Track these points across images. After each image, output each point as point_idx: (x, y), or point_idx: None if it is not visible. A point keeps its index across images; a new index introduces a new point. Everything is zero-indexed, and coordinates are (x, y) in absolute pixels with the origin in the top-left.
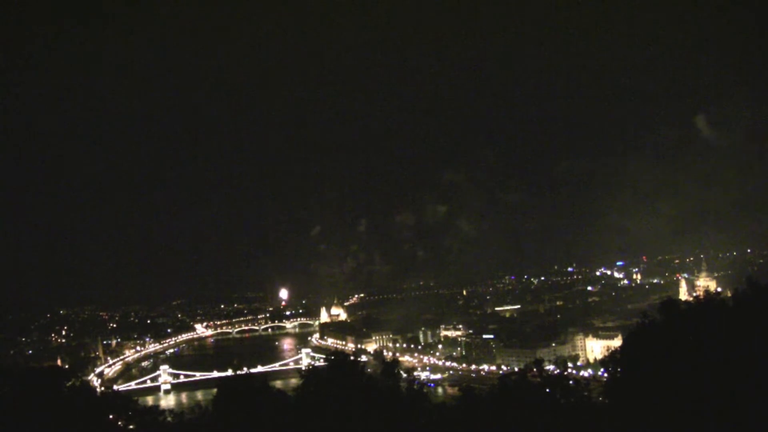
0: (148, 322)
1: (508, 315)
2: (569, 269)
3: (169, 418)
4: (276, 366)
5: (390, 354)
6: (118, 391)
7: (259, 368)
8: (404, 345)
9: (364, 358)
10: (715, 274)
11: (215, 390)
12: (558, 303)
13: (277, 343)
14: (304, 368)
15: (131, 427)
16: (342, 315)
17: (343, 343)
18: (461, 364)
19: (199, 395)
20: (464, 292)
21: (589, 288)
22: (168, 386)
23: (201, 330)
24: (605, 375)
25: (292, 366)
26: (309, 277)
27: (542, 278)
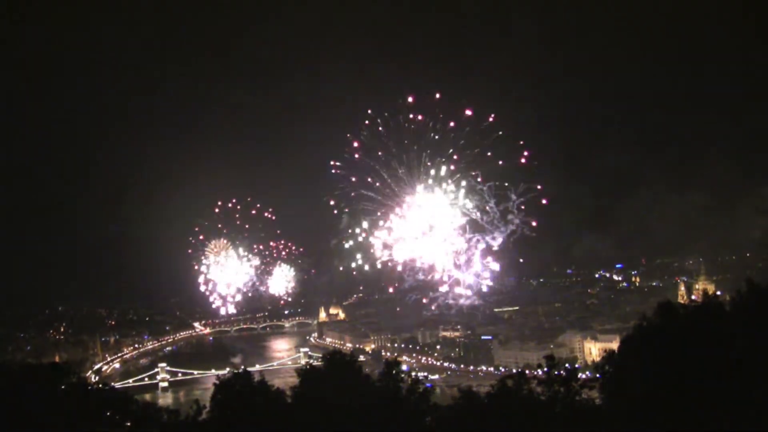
0: (147, 319)
1: (506, 316)
2: (568, 271)
3: (166, 416)
4: (274, 365)
5: (388, 354)
6: (115, 389)
7: (257, 367)
8: (402, 345)
9: (362, 358)
10: (714, 278)
11: (213, 388)
12: (557, 305)
13: (275, 341)
14: (302, 367)
15: (128, 424)
16: (340, 314)
17: (341, 342)
18: (459, 365)
19: (197, 393)
20: None
21: (588, 290)
22: (166, 384)
23: (199, 328)
24: (602, 377)
25: (290, 365)
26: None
27: (541, 280)
